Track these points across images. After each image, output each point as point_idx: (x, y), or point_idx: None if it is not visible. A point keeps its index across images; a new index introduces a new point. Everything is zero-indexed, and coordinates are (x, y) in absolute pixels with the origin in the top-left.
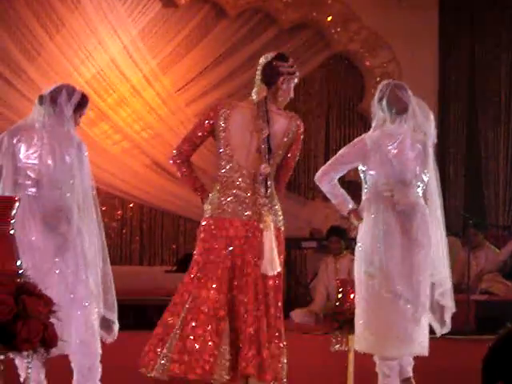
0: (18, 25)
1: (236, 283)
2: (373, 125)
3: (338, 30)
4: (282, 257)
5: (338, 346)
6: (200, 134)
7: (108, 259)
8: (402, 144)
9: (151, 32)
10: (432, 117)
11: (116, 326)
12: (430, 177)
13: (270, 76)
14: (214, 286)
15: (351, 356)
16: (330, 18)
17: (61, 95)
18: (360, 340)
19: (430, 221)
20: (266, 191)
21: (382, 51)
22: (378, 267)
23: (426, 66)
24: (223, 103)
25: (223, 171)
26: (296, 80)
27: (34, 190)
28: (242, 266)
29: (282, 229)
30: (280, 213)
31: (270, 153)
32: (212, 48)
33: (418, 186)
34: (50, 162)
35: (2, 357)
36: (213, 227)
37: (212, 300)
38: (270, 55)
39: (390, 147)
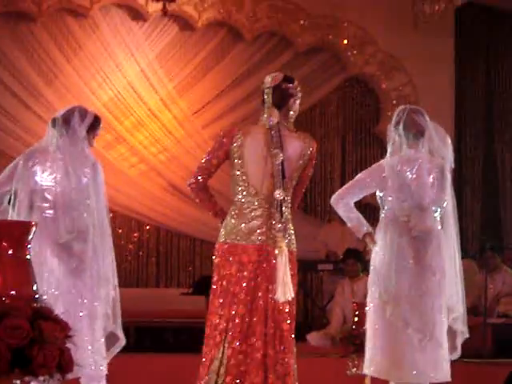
0: (36, 48)
1: (249, 307)
2: (389, 150)
3: (354, 52)
4: (295, 278)
5: (354, 369)
6: (215, 162)
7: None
8: (420, 169)
9: (168, 55)
10: (449, 141)
11: (122, 341)
12: (447, 201)
13: (282, 98)
14: (232, 312)
15: (368, 380)
16: (346, 41)
17: (73, 117)
18: (370, 363)
19: (446, 246)
20: (282, 216)
21: (398, 74)
22: (389, 294)
23: (443, 90)
24: (236, 129)
25: (239, 196)
26: (299, 100)
27: (51, 211)
28: (255, 289)
29: (295, 250)
30: (293, 235)
31: (284, 178)
32: (228, 71)
33: (436, 211)
34: (65, 183)
35: (18, 381)
36: (227, 253)
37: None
38: (275, 77)
39: (408, 173)
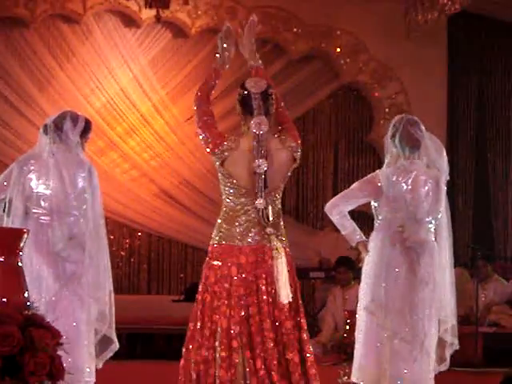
0: (29, 54)
1: (254, 310)
2: (386, 160)
3: (347, 61)
4: (293, 274)
5: (345, 377)
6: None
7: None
8: (415, 180)
9: (161, 62)
10: (445, 153)
11: (115, 345)
12: (441, 213)
13: (270, 105)
14: (232, 314)
15: None
16: (338, 50)
17: (65, 122)
18: (358, 372)
19: (439, 257)
20: (268, 222)
21: (390, 82)
22: (378, 304)
23: (435, 98)
24: (225, 140)
25: (230, 198)
26: None
27: (47, 218)
28: (258, 292)
29: (287, 245)
30: (285, 235)
31: (266, 188)
32: (221, 78)
33: (430, 223)
34: (61, 189)
35: None
36: (223, 254)
37: (229, 330)
38: (261, 83)
39: (403, 184)
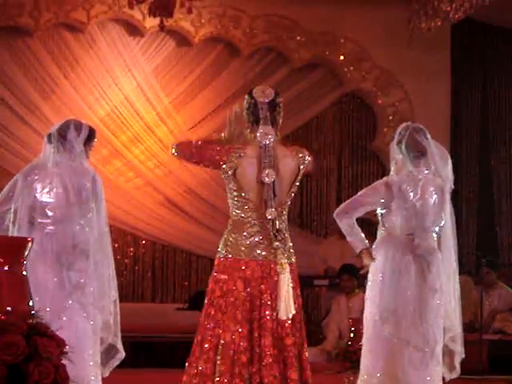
0: (33, 62)
1: (255, 325)
2: (392, 168)
3: (351, 68)
4: (296, 289)
5: None
6: (217, 158)
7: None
8: (423, 189)
9: (165, 70)
10: (450, 161)
11: (121, 354)
12: (446, 222)
13: (277, 114)
14: (237, 329)
15: None
16: (342, 58)
17: (69, 131)
18: (367, 380)
19: (443, 266)
20: (277, 234)
21: (394, 90)
22: (390, 312)
23: (438, 105)
24: (233, 148)
25: (238, 211)
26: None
27: (52, 227)
28: (261, 307)
29: (294, 261)
30: (292, 248)
31: (275, 196)
32: (225, 86)
33: (435, 231)
34: (66, 198)
35: None
36: (230, 268)
37: (237, 344)
38: (268, 92)
39: (411, 192)
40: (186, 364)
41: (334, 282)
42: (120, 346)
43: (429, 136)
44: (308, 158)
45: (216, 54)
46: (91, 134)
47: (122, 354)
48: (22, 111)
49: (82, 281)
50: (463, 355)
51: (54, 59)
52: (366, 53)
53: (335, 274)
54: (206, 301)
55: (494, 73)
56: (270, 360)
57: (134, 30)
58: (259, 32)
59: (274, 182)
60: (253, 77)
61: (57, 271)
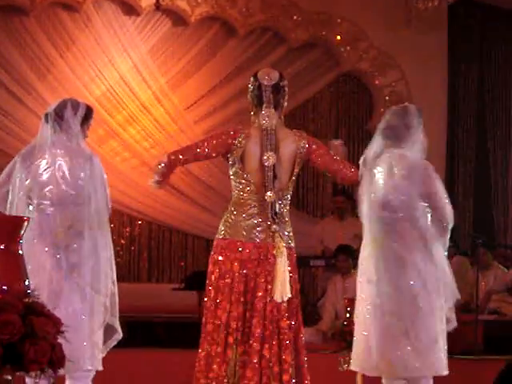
0: (29, 42)
1: (249, 307)
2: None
3: (348, 49)
4: (294, 273)
5: (346, 365)
6: (214, 155)
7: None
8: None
9: (161, 50)
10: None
11: (119, 334)
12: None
13: (281, 98)
14: (231, 310)
15: (359, 376)
16: (339, 38)
17: (66, 110)
18: (357, 359)
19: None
20: (275, 217)
21: (391, 71)
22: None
23: (435, 85)
24: (238, 132)
25: (240, 193)
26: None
27: (50, 208)
28: (254, 289)
29: (293, 246)
30: (291, 233)
31: (275, 179)
32: (221, 66)
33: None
34: (64, 179)
35: (9, 377)
36: (226, 249)
37: (229, 325)
38: (272, 75)
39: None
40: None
41: (330, 263)
42: (118, 326)
43: (412, 118)
44: (305, 145)
45: (212, 34)
46: (88, 113)
47: (119, 335)
48: (18, 91)
49: (78, 261)
50: (455, 324)
51: (49, 39)
52: (363, 33)
53: (331, 254)
54: (207, 282)
55: (490, 53)
56: (257, 341)
57: (129, 9)
58: (255, 11)
59: (274, 165)
60: (249, 56)
61: (54, 252)
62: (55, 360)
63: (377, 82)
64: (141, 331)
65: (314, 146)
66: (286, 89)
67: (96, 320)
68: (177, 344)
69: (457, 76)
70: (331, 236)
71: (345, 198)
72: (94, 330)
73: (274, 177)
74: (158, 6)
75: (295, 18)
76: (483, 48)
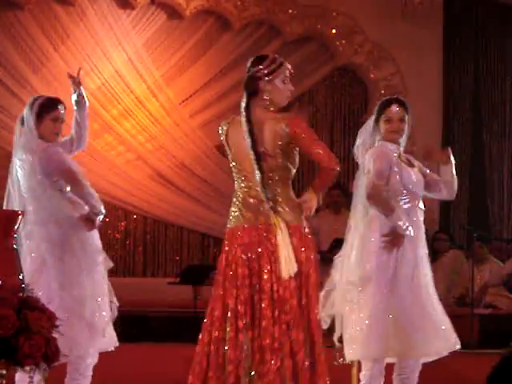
0: (23, 35)
1: (256, 289)
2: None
3: (343, 42)
4: (309, 253)
5: (341, 359)
6: None
7: None
8: None
9: (156, 43)
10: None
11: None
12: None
13: (249, 85)
14: (238, 294)
15: (355, 370)
16: (334, 31)
17: (25, 112)
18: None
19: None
20: (269, 199)
21: (386, 64)
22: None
23: (431, 79)
24: (224, 121)
25: (237, 181)
26: (284, 73)
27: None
28: (259, 271)
29: (299, 223)
30: (296, 210)
31: (259, 159)
32: (216, 60)
33: None
34: (31, 181)
35: (4, 371)
36: (232, 237)
37: (233, 310)
38: (248, 65)
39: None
40: (199, 337)
41: (326, 257)
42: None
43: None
44: (286, 129)
45: (207, 27)
46: (49, 104)
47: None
48: (13, 85)
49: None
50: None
51: (44, 32)
52: (359, 26)
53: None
54: (216, 271)
55: (486, 47)
56: (269, 322)
57: (124, 2)
58: (251, 5)
59: (254, 143)
60: (244, 50)
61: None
62: (50, 354)
63: (372, 76)
64: (136, 325)
65: (298, 135)
66: (259, 74)
67: (88, 313)
68: (172, 338)
69: (452, 69)
70: (326, 229)
71: (340, 192)
72: (88, 323)
73: (258, 160)
74: (152, 0)
75: (290, 11)
76: (478, 41)
